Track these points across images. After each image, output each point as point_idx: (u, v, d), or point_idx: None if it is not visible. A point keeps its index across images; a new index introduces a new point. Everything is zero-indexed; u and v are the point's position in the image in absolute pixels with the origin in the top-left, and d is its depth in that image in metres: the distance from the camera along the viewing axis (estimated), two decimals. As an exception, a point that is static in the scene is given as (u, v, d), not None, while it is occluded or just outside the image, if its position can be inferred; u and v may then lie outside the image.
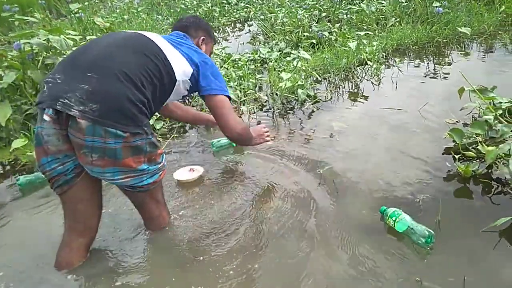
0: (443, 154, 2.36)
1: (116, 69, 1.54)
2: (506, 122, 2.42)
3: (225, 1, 7.84)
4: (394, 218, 1.74)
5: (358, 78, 3.81)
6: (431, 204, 1.92)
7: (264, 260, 1.68)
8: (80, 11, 5.83)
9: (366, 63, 3.91)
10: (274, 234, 1.83)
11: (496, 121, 2.38)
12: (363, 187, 2.12)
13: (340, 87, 3.65)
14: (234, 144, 2.66)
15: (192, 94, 2.37)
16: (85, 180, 1.61)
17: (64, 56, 2.81)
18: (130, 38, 1.74)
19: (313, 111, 3.18)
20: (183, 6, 7.29)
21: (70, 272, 1.67)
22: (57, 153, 1.54)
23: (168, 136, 2.97)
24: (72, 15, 5.80)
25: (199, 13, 7.04)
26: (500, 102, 2.60)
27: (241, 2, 7.89)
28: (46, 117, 1.48)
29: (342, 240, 1.75)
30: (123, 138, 1.50)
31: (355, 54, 4.01)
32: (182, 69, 1.78)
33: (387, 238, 1.75)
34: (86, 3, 7.59)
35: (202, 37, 2.12)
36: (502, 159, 2.11)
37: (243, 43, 5.35)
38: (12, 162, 2.87)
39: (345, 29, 4.98)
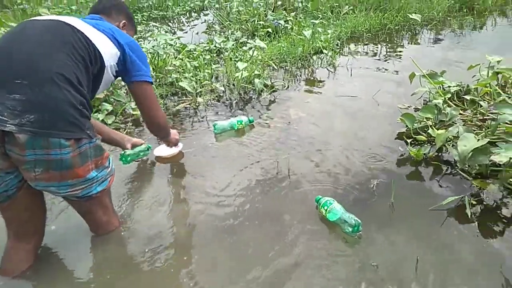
0: (396, 139, 2.43)
1: (47, 70, 1.38)
2: (454, 106, 2.51)
3: (179, -10, 7.65)
4: (326, 208, 1.76)
5: (314, 66, 3.83)
6: (385, 188, 1.97)
7: (215, 248, 1.66)
8: (24, 2, 5.50)
9: (322, 51, 3.94)
10: (224, 222, 1.82)
11: (445, 105, 2.47)
12: (318, 175, 2.13)
13: (297, 75, 3.66)
14: (236, 127, 2.68)
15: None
16: (27, 190, 1.50)
17: None
18: (51, 28, 1.52)
19: (270, 101, 3.17)
20: (136, -5, 7.04)
21: (17, 277, 1.58)
22: None
23: (121, 130, 2.87)
24: (16, 7, 5.46)
25: (152, 2, 6.83)
26: (449, 86, 2.71)
27: (195, -9, 7.73)
28: None
29: (296, 229, 1.76)
30: (67, 146, 1.38)
31: (311, 42, 4.03)
32: (109, 52, 1.61)
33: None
34: (30, -6, 7.18)
35: (123, 21, 1.93)
36: (451, 141, 2.19)
37: (198, 33, 5.25)
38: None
39: (300, 18, 5.00)
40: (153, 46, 3.38)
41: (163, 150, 2.41)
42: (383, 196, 1.91)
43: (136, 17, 6.37)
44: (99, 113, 2.80)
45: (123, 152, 2.26)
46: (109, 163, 1.61)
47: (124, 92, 3.13)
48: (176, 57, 3.74)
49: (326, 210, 1.76)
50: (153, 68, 3.29)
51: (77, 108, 1.42)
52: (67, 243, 1.76)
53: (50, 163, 1.37)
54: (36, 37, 1.47)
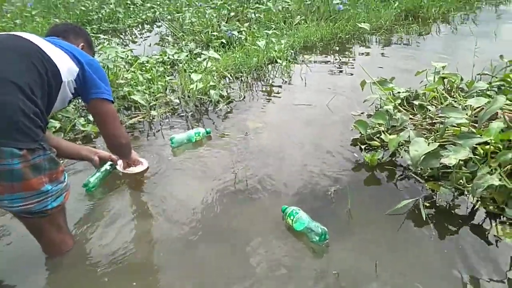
0: (351, 145, 2.47)
1: (2, 78, 1.37)
2: (404, 111, 2.60)
3: (129, 2, 7.49)
4: (292, 218, 1.76)
5: (269, 76, 3.85)
6: (342, 194, 1.98)
7: (173, 266, 1.60)
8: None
9: (276, 61, 3.97)
10: (184, 238, 1.78)
11: (395, 111, 2.54)
12: (277, 185, 2.12)
13: (253, 86, 3.66)
14: (193, 140, 2.62)
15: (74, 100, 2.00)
16: None
17: None
18: (8, 39, 1.54)
19: (227, 112, 3.14)
20: (83, 8, 6.80)
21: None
22: None
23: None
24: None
25: (102, 14, 6.62)
26: (399, 92, 2.79)
27: (147, 3, 7.60)
28: None
29: (255, 240, 1.73)
30: (19, 156, 1.33)
31: (265, 52, 4.05)
32: (67, 67, 1.60)
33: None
34: (-30, 7, 6.79)
35: (81, 44, 1.93)
36: (403, 146, 2.25)
37: (151, 45, 5.15)
38: None
39: (254, 28, 5.02)
40: (102, 60, 3.26)
41: (130, 168, 2.24)
42: (340, 203, 1.93)
43: (85, 29, 6.16)
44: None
45: (86, 181, 2.08)
46: (65, 178, 1.57)
47: (73, 108, 3.00)
48: (128, 70, 3.64)
49: (292, 220, 1.74)
50: (103, 82, 3.17)
51: (30, 117, 1.38)
52: (17, 266, 1.66)
53: (0, 174, 1.32)
54: None
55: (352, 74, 3.74)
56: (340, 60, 4.19)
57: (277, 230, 1.79)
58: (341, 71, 3.86)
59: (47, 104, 1.55)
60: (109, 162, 2.20)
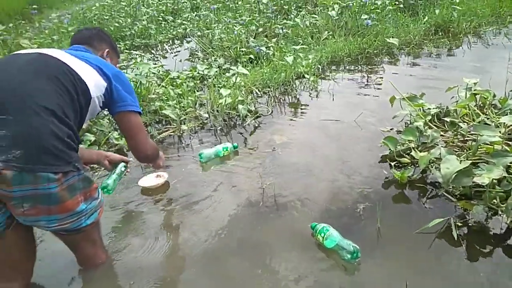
0: (379, 162, 2.45)
1: (33, 103, 1.37)
2: (435, 128, 2.56)
3: (161, 18, 7.73)
4: (322, 235, 1.75)
5: (296, 91, 3.87)
6: (371, 212, 1.97)
7: (202, 283, 1.62)
8: (4, 33, 5.47)
9: (304, 76, 4.00)
10: (215, 249, 1.80)
11: (426, 127, 2.51)
12: (305, 201, 2.13)
13: (280, 100, 3.69)
14: (221, 154, 2.66)
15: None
16: (17, 228, 1.46)
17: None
18: (35, 61, 1.52)
19: (255, 126, 3.18)
20: (117, 24, 7.07)
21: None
22: None
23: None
24: (-4, 38, 5.43)
25: (135, 30, 6.86)
26: (429, 108, 2.75)
27: (177, 19, 7.81)
28: None
29: (283, 256, 1.74)
30: (55, 180, 1.35)
31: (293, 67, 4.09)
32: (95, 83, 1.59)
33: (327, 251, 1.74)
34: (11, 25, 7.15)
35: (106, 50, 1.91)
36: (434, 163, 2.21)
37: (181, 61, 5.28)
38: None
39: (281, 44, 5.08)
40: (136, 75, 3.37)
41: (148, 181, 2.39)
42: (369, 220, 1.91)
43: (118, 45, 6.38)
44: (81, 143, 2.76)
45: (104, 184, 2.03)
46: (98, 194, 1.58)
47: (107, 122, 3.10)
48: (159, 84, 3.74)
49: (323, 237, 1.74)
50: (136, 97, 3.27)
51: (64, 140, 1.40)
52: (52, 276, 1.72)
53: (38, 198, 1.35)
54: (19, 69, 1.46)
55: (380, 89, 3.72)
56: (368, 75, 4.18)
57: (307, 246, 1.79)
58: (369, 86, 3.84)
59: (79, 122, 1.58)
60: (123, 164, 2.12)
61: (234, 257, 1.77)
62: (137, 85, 3.39)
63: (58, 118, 1.40)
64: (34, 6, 8.93)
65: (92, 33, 1.92)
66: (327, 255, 1.72)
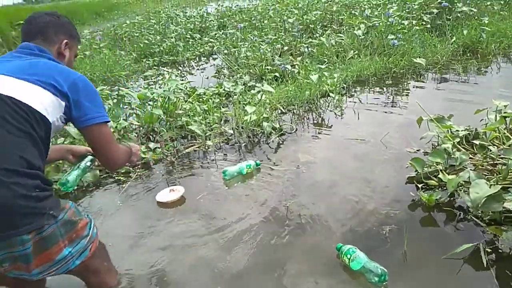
0: (406, 183, 2.41)
1: None
2: (464, 150, 2.51)
3: (189, 36, 7.93)
4: (349, 256, 1.72)
5: (321, 109, 3.88)
6: (397, 235, 1.93)
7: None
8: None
9: (329, 95, 4.00)
10: (238, 267, 1.80)
11: (454, 149, 2.47)
12: (329, 221, 2.11)
13: (305, 118, 3.70)
14: (244, 172, 2.68)
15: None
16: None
17: None
18: None
19: (279, 144, 3.19)
20: (146, 41, 7.30)
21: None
22: None
23: (132, 175, 2.88)
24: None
25: (163, 48, 7.06)
26: (457, 130, 2.71)
27: (205, 37, 8.00)
28: None
29: (308, 278, 1.72)
30: (29, 241, 1.29)
31: (318, 86, 4.11)
32: (52, 107, 1.41)
33: (352, 273, 1.72)
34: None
35: (64, 41, 1.64)
36: (462, 186, 2.17)
37: (208, 77, 5.39)
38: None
39: (306, 62, 5.12)
40: (164, 91, 3.46)
41: (164, 196, 2.45)
42: (395, 243, 1.88)
43: (147, 62, 6.58)
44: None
45: (64, 180, 1.68)
46: (89, 230, 1.49)
47: (135, 135, 3.18)
48: (186, 100, 3.83)
49: (349, 259, 1.71)
50: (163, 112, 3.35)
51: (31, 196, 1.29)
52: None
53: (16, 258, 1.31)
54: None
55: (406, 109, 3.68)
56: (394, 95, 4.15)
57: (332, 267, 1.77)
58: (395, 106, 3.81)
59: (44, 152, 1.44)
60: (89, 157, 1.78)
61: (257, 276, 1.76)
62: (165, 100, 3.48)
63: (21, 175, 1.28)
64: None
65: (47, 20, 1.62)
66: (353, 277, 1.70)
